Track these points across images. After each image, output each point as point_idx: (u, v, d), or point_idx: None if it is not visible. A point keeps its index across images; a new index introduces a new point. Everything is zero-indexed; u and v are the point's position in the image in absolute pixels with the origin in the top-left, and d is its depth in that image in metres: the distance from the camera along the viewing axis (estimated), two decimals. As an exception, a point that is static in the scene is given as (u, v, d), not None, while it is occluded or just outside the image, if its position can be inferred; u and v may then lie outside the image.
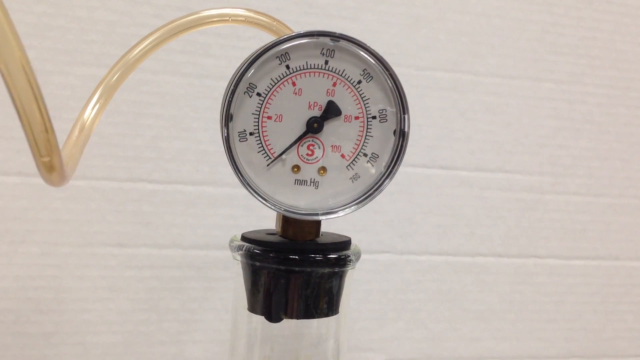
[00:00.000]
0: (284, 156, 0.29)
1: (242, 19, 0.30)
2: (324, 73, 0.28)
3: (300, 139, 0.29)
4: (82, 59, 0.44)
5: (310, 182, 0.29)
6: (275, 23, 0.30)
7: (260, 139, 0.28)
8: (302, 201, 0.29)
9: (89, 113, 0.28)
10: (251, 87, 0.28)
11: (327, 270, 0.29)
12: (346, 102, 0.29)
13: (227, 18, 0.30)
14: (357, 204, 0.29)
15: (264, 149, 0.29)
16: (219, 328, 0.47)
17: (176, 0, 0.45)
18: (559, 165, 0.53)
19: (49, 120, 0.19)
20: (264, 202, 0.29)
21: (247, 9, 0.31)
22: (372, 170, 0.29)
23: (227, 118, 0.28)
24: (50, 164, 0.21)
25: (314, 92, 0.28)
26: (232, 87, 0.28)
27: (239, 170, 0.28)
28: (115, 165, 0.45)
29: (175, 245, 0.46)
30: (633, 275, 0.56)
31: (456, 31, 0.51)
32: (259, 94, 0.28)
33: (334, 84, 0.28)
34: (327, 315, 0.30)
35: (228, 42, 0.46)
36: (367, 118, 0.29)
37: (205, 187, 0.47)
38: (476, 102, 0.51)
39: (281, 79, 0.28)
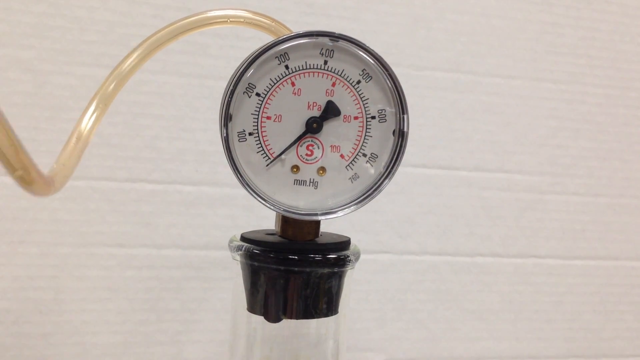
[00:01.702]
0: (283, 156, 0.29)
1: (241, 20, 0.30)
2: (323, 73, 0.28)
3: (299, 139, 0.29)
4: (82, 59, 0.44)
5: (310, 182, 0.29)
6: (274, 24, 0.30)
7: (259, 139, 0.28)
8: (301, 201, 0.29)
9: (86, 122, 0.28)
10: (250, 87, 0.28)
11: (326, 270, 0.29)
12: (345, 102, 0.29)
13: (226, 19, 0.30)
14: (356, 204, 0.29)
15: (263, 149, 0.29)
16: (218, 328, 0.47)
17: (176, 1, 0.45)
18: (558, 165, 0.53)
19: (15, 136, 0.19)
20: (263, 202, 0.29)
21: (246, 10, 0.31)
22: (372, 171, 0.29)
23: (227, 118, 0.28)
24: (28, 177, 0.20)
25: (313, 92, 0.28)
26: (231, 87, 0.28)
27: (238, 170, 0.28)
28: (114, 165, 0.45)
29: (174, 245, 0.46)
30: (632, 275, 0.56)
31: (455, 31, 0.51)
32: (258, 94, 0.28)
33: (333, 84, 0.28)
34: (326, 315, 0.30)
35: (227, 42, 0.46)
36: (367, 118, 0.29)
37: (205, 187, 0.47)
38: (475, 102, 0.51)
39: (280, 79, 0.28)
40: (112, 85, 0.28)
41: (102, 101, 0.28)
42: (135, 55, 0.29)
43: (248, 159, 0.28)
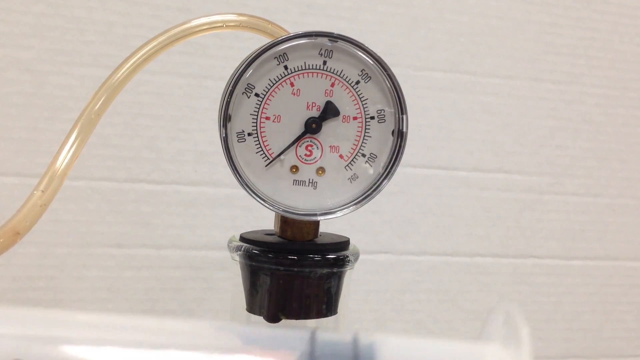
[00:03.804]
0: (282, 157, 0.29)
1: (236, 24, 0.30)
2: (322, 73, 0.28)
3: (298, 139, 0.29)
4: (81, 59, 0.44)
5: (309, 182, 0.29)
6: (269, 25, 0.30)
7: (258, 140, 0.28)
8: (300, 201, 0.29)
9: (64, 158, 0.27)
10: (249, 87, 0.28)
11: (325, 270, 0.29)
12: (344, 103, 0.29)
13: (221, 24, 0.30)
14: (355, 204, 0.29)
15: (262, 150, 0.29)
16: (217, 328, 0.47)
17: (175, 1, 0.45)
18: (557, 166, 0.54)
19: None
20: (262, 202, 0.29)
21: (240, 14, 0.30)
22: (371, 171, 0.29)
23: (226, 118, 0.28)
24: None
25: (312, 92, 0.28)
26: (230, 88, 0.28)
27: (237, 170, 0.28)
28: (113, 165, 0.45)
29: (173, 245, 0.46)
30: (631, 275, 0.56)
31: (454, 31, 0.51)
32: (257, 95, 0.28)
33: (332, 85, 0.29)
34: (325, 315, 0.30)
35: (226, 42, 0.46)
36: (366, 118, 0.29)
37: (204, 187, 0.46)
38: (475, 103, 0.51)
39: (279, 80, 0.28)
40: (104, 97, 0.28)
41: (86, 124, 0.28)
42: (136, 57, 0.29)
43: (247, 160, 0.28)
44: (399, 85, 0.29)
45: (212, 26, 0.30)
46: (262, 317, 0.30)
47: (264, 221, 0.35)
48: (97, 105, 0.28)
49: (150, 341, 0.16)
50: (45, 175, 0.26)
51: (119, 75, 0.28)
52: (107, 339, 0.15)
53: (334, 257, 0.29)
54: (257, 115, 0.28)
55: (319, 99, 0.28)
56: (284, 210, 0.29)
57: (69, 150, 0.27)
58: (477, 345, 0.17)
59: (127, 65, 0.28)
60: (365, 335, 0.17)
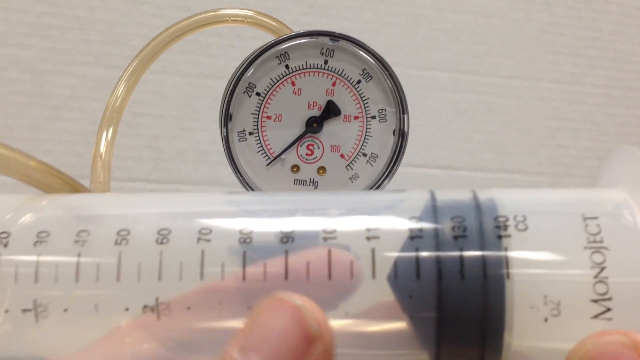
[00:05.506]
0: (283, 156, 0.29)
1: (242, 19, 0.30)
2: (324, 73, 0.28)
3: (299, 138, 0.29)
4: (82, 58, 0.44)
5: (310, 182, 0.29)
6: (275, 23, 0.30)
7: (259, 139, 0.28)
8: (301, 201, 0.29)
9: (104, 144, 0.28)
10: (250, 86, 0.28)
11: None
12: (345, 102, 0.29)
13: (227, 19, 0.30)
14: (356, 203, 0.29)
15: (263, 149, 0.28)
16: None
17: (175, 0, 0.45)
18: (558, 165, 0.53)
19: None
20: (263, 202, 0.29)
21: (247, 9, 0.31)
22: (372, 171, 0.29)
23: (227, 118, 0.28)
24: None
25: (314, 91, 0.28)
26: (231, 87, 0.28)
27: (238, 170, 0.28)
28: (114, 165, 0.45)
29: (174, 245, 0.46)
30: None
31: (456, 31, 0.51)
32: (258, 94, 0.28)
33: (334, 84, 0.28)
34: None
35: (227, 41, 0.46)
36: (367, 118, 0.29)
37: (205, 186, 0.46)
38: (476, 102, 0.51)
39: (280, 79, 0.28)
40: (120, 99, 0.28)
41: (113, 116, 0.28)
42: (138, 59, 0.29)
43: (248, 159, 0.28)
44: (400, 85, 0.29)
45: (218, 20, 0.30)
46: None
47: (265, 221, 0.35)
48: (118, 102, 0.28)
49: (276, 210, 0.17)
50: (93, 170, 0.27)
51: (145, 52, 0.28)
52: (236, 210, 0.17)
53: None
54: (258, 115, 0.28)
55: (320, 98, 0.28)
56: (284, 210, 0.29)
57: (105, 139, 0.28)
58: (598, 191, 0.17)
59: (150, 47, 0.29)
60: (481, 191, 0.17)
